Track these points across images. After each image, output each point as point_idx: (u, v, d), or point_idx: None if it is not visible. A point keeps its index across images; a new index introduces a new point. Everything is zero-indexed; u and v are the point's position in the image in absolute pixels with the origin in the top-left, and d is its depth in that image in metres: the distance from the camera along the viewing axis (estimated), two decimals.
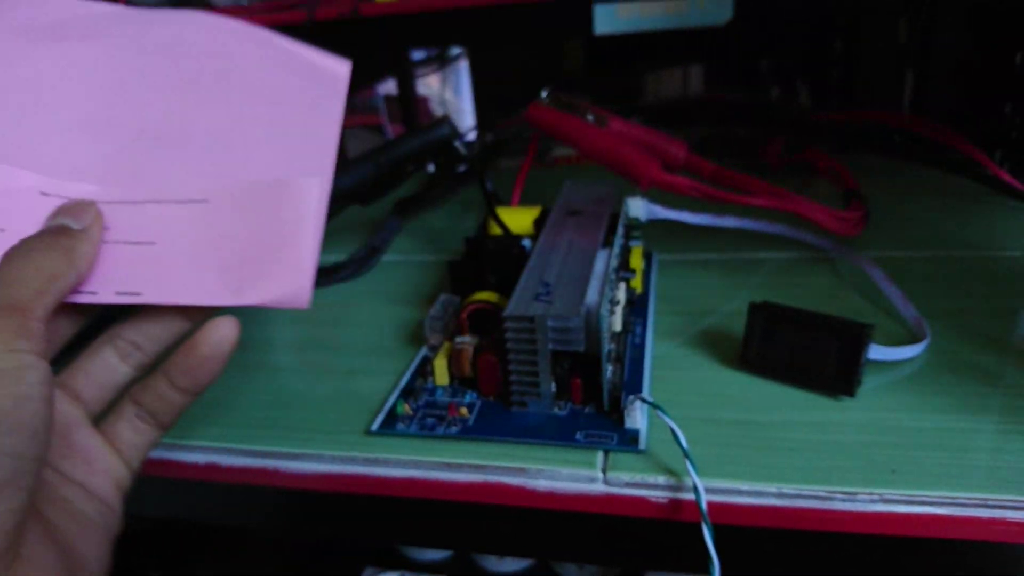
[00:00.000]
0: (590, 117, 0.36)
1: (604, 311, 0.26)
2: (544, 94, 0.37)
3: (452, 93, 0.94)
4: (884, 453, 0.24)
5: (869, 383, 0.27)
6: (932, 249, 0.39)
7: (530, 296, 0.27)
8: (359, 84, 0.76)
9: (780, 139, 0.49)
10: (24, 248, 0.20)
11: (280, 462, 0.27)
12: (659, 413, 0.25)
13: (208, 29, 0.29)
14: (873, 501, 0.22)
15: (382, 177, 0.38)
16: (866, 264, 0.35)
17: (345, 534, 0.28)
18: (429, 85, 0.91)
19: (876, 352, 0.28)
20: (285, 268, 0.22)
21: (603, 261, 0.29)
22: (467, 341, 0.29)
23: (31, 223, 0.22)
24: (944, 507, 0.22)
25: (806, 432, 0.25)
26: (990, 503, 0.22)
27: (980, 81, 0.52)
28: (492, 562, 0.47)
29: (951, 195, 0.46)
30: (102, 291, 0.22)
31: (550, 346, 0.26)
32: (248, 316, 0.39)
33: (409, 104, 0.79)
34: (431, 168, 0.51)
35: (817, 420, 0.26)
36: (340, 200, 0.45)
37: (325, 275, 0.40)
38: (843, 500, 0.23)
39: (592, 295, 0.27)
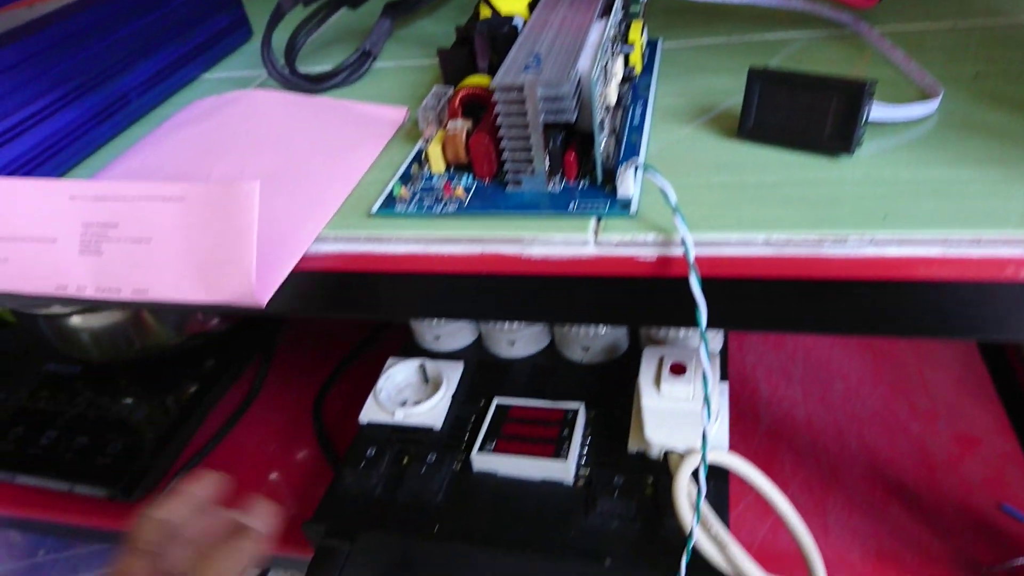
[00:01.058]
0: None
1: (596, 77, 0.25)
2: None
3: None
4: (878, 202, 0.24)
5: (873, 145, 0.27)
6: (952, 19, 0.37)
7: (519, 67, 0.26)
8: None
9: None
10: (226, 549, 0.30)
11: None
12: (650, 174, 0.25)
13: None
14: (863, 244, 0.23)
15: None
16: (878, 38, 0.33)
17: (353, 314, 0.30)
18: None
19: (880, 111, 0.27)
20: (239, 268, 0.25)
21: (598, 32, 0.28)
22: (459, 125, 0.29)
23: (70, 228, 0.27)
24: (935, 247, 0.22)
25: (800, 189, 0.25)
26: (983, 241, 0.22)
27: None
28: (504, 348, 0.50)
29: None
30: (124, 288, 0.26)
31: (541, 117, 0.25)
32: None
33: None
34: None
35: (812, 178, 0.26)
36: (330, 3, 0.43)
37: (316, 82, 0.39)
38: (833, 245, 0.23)
39: (584, 62, 0.26)
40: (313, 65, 0.42)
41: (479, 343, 0.53)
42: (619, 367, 0.48)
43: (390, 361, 0.50)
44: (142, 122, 0.40)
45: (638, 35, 0.32)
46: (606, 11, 0.31)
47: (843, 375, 0.52)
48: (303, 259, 0.28)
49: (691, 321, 0.24)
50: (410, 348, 0.54)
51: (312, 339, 0.65)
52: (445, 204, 0.27)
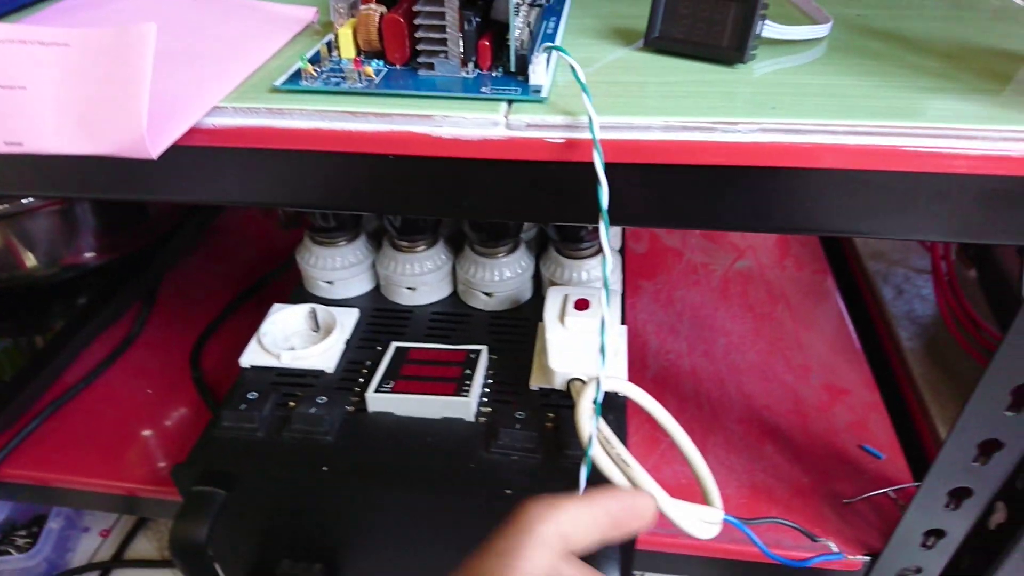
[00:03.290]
0: None
1: None
2: None
3: None
4: (769, 98, 0.26)
5: (769, 62, 0.29)
6: None
7: None
8: None
9: None
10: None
11: None
12: (560, 53, 0.25)
13: None
14: (752, 131, 0.24)
15: None
16: None
17: (253, 200, 0.29)
18: None
19: (774, 30, 0.29)
20: (128, 115, 0.23)
21: None
22: (373, 8, 0.28)
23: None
24: (818, 134, 0.24)
25: (699, 87, 0.27)
26: (859, 129, 0.24)
27: None
28: (404, 295, 0.49)
29: None
30: None
31: None
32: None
33: None
34: None
35: (710, 79, 0.27)
36: None
37: None
38: (725, 131, 0.24)
39: None
40: None
41: (376, 292, 0.51)
42: (522, 315, 0.48)
43: (276, 307, 0.47)
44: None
45: None
46: None
47: (725, 332, 0.55)
48: (198, 131, 0.26)
49: (593, 215, 0.25)
50: (300, 295, 0.51)
51: (198, 283, 0.62)
52: (354, 81, 0.27)
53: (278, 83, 0.27)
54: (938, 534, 0.36)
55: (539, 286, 0.50)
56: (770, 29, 0.29)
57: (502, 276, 0.47)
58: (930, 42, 0.31)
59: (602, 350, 0.29)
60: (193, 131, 0.26)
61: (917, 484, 0.36)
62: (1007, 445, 0.31)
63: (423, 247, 0.48)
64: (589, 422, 0.32)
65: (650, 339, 0.54)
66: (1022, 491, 0.34)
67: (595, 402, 0.32)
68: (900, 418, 0.48)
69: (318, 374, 0.43)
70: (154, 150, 0.24)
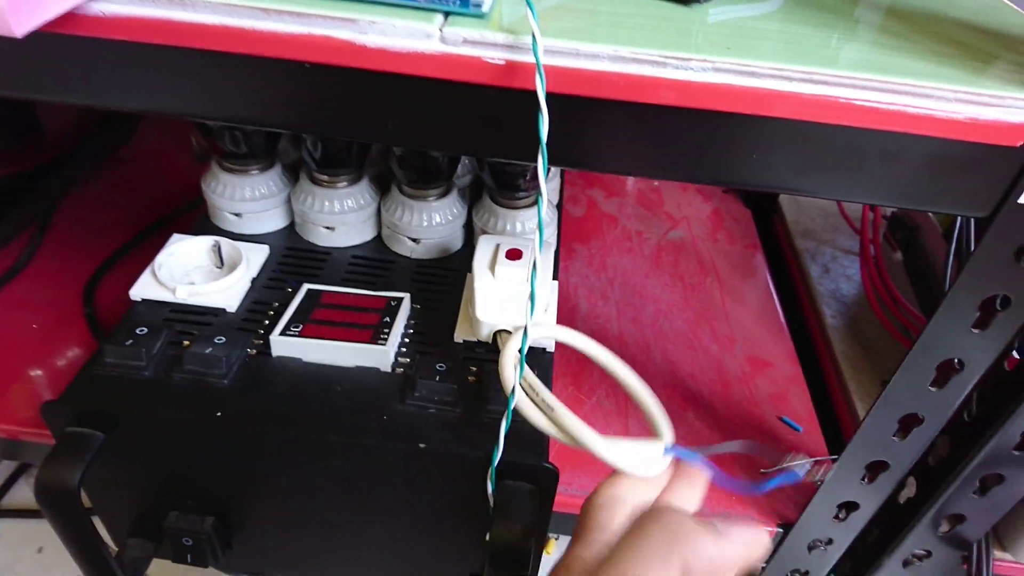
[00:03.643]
0: None
1: None
2: None
3: None
4: (724, 40, 0.24)
5: (728, 8, 0.27)
6: None
7: None
8: None
9: None
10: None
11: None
12: None
13: None
14: (705, 70, 0.22)
15: None
16: None
17: (141, 107, 0.25)
18: None
19: None
20: None
21: None
22: None
23: None
24: (771, 79, 0.22)
25: (652, 21, 0.25)
26: (815, 78, 0.22)
27: None
28: (321, 235, 0.46)
29: None
30: None
31: None
32: None
33: None
34: None
35: (665, 15, 0.25)
36: None
37: None
38: (676, 67, 0.22)
39: None
40: None
41: (290, 229, 0.47)
42: (451, 265, 0.46)
43: (175, 237, 0.42)
44: None
45: None
46: None
47: (655, 299, 0.54)
48: (80, 18, 0.23)
49: (531, 152, 0.23)
50: (204, 227, 0.46)
51: (98, 213, 0.57)
52: None
53: None
54: (851, 507, 0.36)
55: (470, 236, 0.48)
56: None
57: (431, 222, 0.44)
58: (893, 5, 0.30)
59: (532, 298, 0.27)
60: (73, 16, 0.22)
61: (834, 457, 0.36)
62: (927, 420, 0.31)
63: (345, 183, 0.44)
64: (514, 371, 0.30)
65: (580, 302, 0.53)
66: (933, 467, 0.35)
67: (520, 351, 0.30)
68: (819, 393, 0.49)
69: (218, 312, 0.40)
70: (18, 27, 0.20)
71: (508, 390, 0.29)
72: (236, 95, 0.25)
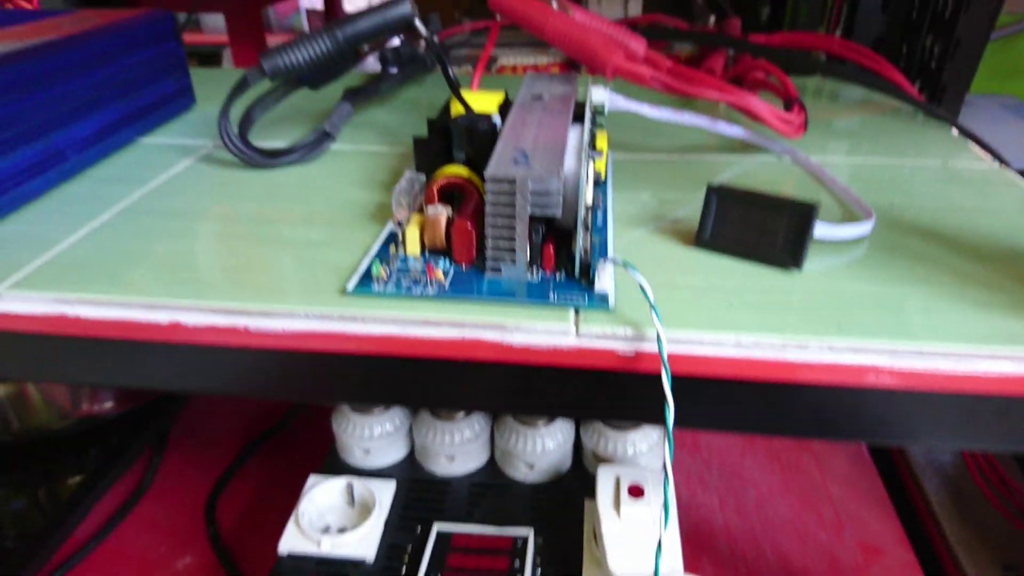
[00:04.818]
0: (555, 5, 0.36)
1: (582, 177, 0.27)
2: None
3: None
4: (828, 312, 0.26)
5: (816, 261, 0.30)
6: (863, 156, 0.42)
7: (509, 161, 0.27)
8: None
9: (722, 53, 0.50)
10: None
11: (251, 320, 0.27)
12: (629, 270, 0.26)
13: None
14: (822, 351, 0.25)
15: (336, 56, 0.37)
16: (813, 164, 0.37)
17: (317, 398, 0.29)
18: None
19: (823, 230, 0.30)
20: None
21: (576, 136, 0.30)
22: (440, 210, 0.29)
23: None
24: (884, 356, 0.25)
25: (760, 295, 0.27)
26: (925, 351, 0.24)
27: (906, 13, 0.56)
28: (441, 464, 0.48)
29: (875, 110, 0.49)
30: None
31: (528, 210, 0.26)
32: (189, 187, 0.38)
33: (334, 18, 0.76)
34: (379, 64, 0.50)
35: (768, 286, 0.28)
36: (291, 81, 0.43)
37: (271, 156, 0.39)
38: (796, 349, 0.25)
39: (570, 162, 0.27)
40: (267, 140, 0.42)
41: (411, 459, 0.50)
42: (564, 486, 0.47)
43: (312, 480, 0.45)
44: (75, 180, 0.38)
45: (604, 143, 0.34)
46: (576, 118, 0.33)
47: (755, 484, 0.54)
48: (256, 335, 0.26)
49: (657, 416, 0.25)
50: (334, 464, 0.49)
51: (210, 429, 0.61)
52: (425, 286, 0.27)
53: (350, 287, 0.27)
54: None
55: (578, 454, 0.49)
56: (821, 230, 0.30)
57: (544, 448, 0.46)
58: (966, 240, 0.32)
59: (658, 552, 0.29)
60: (259, 334, 0.26)
61: None
62: None
63: (462, 414, 0.47)
64: None
65: (681, 490, 0.53)
66: None
67: None
68: None
69: (358, 563, 0.41)
70: None
71: None
72: (390, 385, 0.28)
